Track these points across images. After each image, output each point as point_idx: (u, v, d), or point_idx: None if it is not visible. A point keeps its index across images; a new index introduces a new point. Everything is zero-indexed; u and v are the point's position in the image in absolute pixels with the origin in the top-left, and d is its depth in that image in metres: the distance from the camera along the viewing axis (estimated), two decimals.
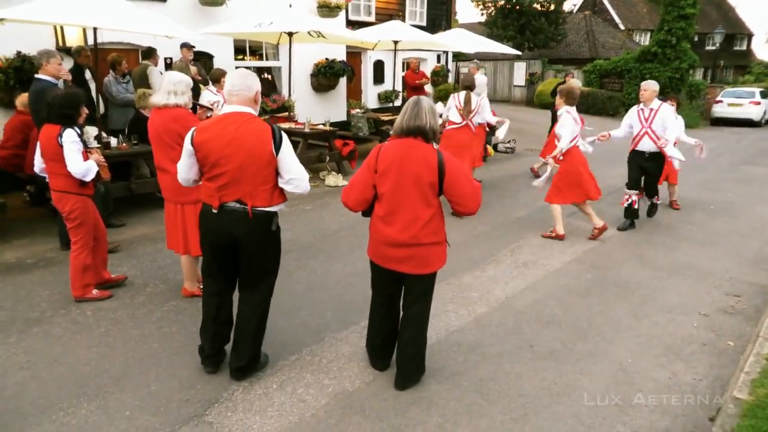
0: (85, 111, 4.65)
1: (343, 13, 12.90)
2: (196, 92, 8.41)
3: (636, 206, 7.23)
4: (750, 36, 45.24)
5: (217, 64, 10.64)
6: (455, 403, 3.48)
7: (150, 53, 8.59)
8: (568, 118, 6.45)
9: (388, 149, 3.23)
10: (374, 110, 14.03)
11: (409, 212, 3.23)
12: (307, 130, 9.06)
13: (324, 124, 9.54)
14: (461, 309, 4.84)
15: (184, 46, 9.43)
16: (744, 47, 44.99)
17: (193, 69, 8.92)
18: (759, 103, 22.01)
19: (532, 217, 7.72)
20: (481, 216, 7.58)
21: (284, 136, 3.30)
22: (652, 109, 6.81)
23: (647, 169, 7.12)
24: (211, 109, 4.64)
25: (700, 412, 3.45)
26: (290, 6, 9.34)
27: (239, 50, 11.79)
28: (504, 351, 4.15)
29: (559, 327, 4.56)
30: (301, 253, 6.06)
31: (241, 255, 3.40)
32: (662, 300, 5.15)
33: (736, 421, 3.14)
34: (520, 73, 26.07)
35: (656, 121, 6.77)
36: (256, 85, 3.35)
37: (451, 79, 18.93)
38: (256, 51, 12.26)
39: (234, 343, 3.63)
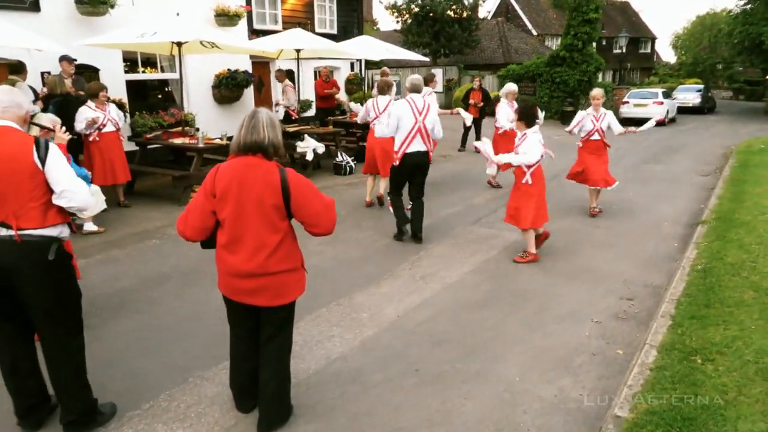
0: None
1: (244, 22, 12.43)
2: (72, 108, 7.78)
3: None
4: (653, 39, 47.78)
5: (105, 77, 9.95)
6: None
7: (19, 68, 7.85)
8: (535, 140, 5.87)
9: (225, 170, 2.86)
10: (290, 121, 13.58)
11: (253, 239, 2.87)
12: (201, 144, 8.53)
13: (221, 138, 9.03)
14: (348, 333, 4.51)
15: (64, 59, 8.72)
16: (648, 50, 47.47)
17: (67, 83, 8.22)
18: (662, 103, 23.03)
19: (435, 225, 7.51)
20: (381, 228, 7.34)
21: (53, 147, 2.90)
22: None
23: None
24: (52, 130, 4.11)
25: None
26: (177, 15, 8.79)
27: (132, 62, 11.10)
28: (387, 378, 3.85)
29: (449, 346, 4.30)
30: (180, 281, 5.56)
31: (18, 292, 2.90)
32: (557, 308, 5.01)
33: None
34: (437, 79, 26.24)
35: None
36: (27, 105, 3.01)
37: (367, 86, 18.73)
38: (152, 62, 11.60)
39: (56, 396, 3.16)
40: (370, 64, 26.13)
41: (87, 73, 9.60)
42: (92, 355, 4.08)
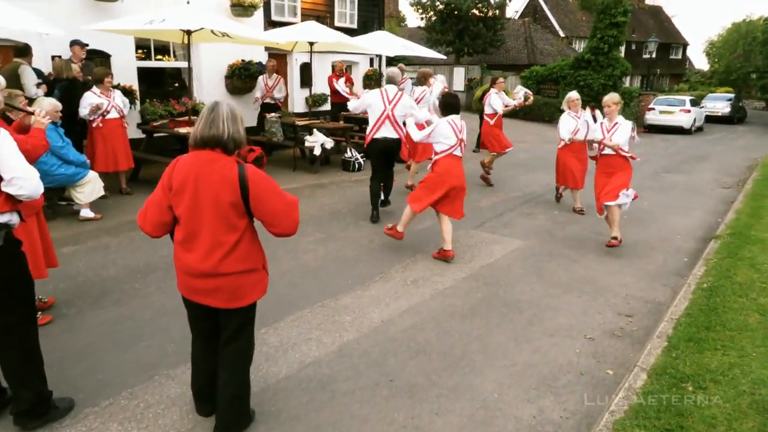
0: None
1: (261, 13, 12.31)
2: (77, 93, 7.73)
3: None
4: (685, 45, 46.72)
5: (116, 63, 9.92)
6: None
7: (25, 51, 7.81)
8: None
9: (183, 164, 2.71)
10: (301, 114, 13.45)
11: (209, 237, 2.72)
12: None
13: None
14: (327, 336, 4.35)
15: (76, 43, 8.69)
16: (679, 56, 46.44)
17: (75, 68, 8.17)
18: (689, 111, 22.45)
19: (436, 228, 7.21)
20: (377, 228, 7.16)
21: (3, 133, 2.79)
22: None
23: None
24: (32, 113, 4.01)
25: None
26: (188, 2, 8.69)
27: (147, 50, 11.06)
28: (358, 387, 3.68)
29: (428, 356, 4.11)
30: (167, 273, 5.45)
31: None
32: (550, 321, 4.79)
33: None
34: (459, 78, 25.93)
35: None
36: None
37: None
38: (167, 51, 11.55)
39: (8, 385, 3.07)
40: (396, 61, 25.98)
41: (98, 59, 9.55)
42: (60, 346, 4.02)
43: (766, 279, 5.37)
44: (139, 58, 10.95)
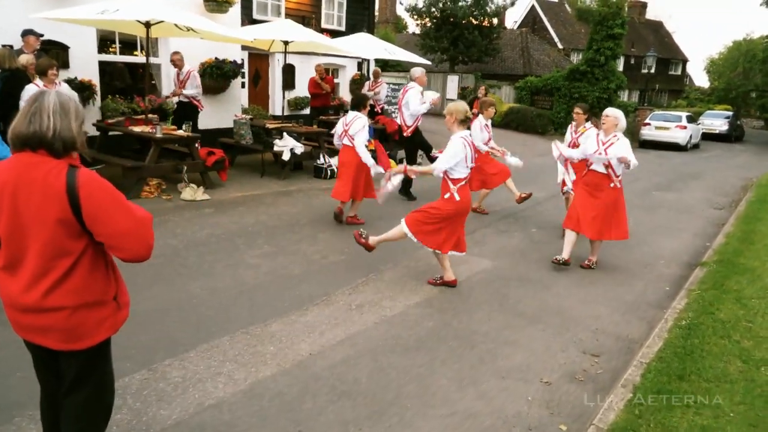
0: None
1: (238, 10, 11.73)
2: (20, 84, 7.16)
3: None
4: (684, 61, 46.33)
5: (76, 56, 9.34)
6: None
7: None
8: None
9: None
10: (278, 117, 12.87)
11: (33, 263, 2.12)
12: (159, 135, 7.83)
13: (185, 129, 8.34)
14: (240, 371, 3.74)
15: (29, 33, 8.13)
16: (679, 72, 46.03)
17: (25, 58, 7.59)
18: (685, 128, 21.94)
19: (398, 245, 6.65)
20: (337, 242, 6.57)
21: None
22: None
23: None
24: None
25: None
26: None
27: (112, 42, 10.51)
28: None
29: (353, 401, 3.51)
30: None
31: None
32: (505, 359, 4.19)
33: None
34: (453, 86, 25.41)
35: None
36: None
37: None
38: (134, 44, 10.99)
39: None
40: (389, 66, 25.44)
41: (54, 50, 8.97)
42: None
43: (753, 317, 4.78)
44: (111, 52, 10.40)
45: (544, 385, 3.86)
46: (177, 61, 9.95)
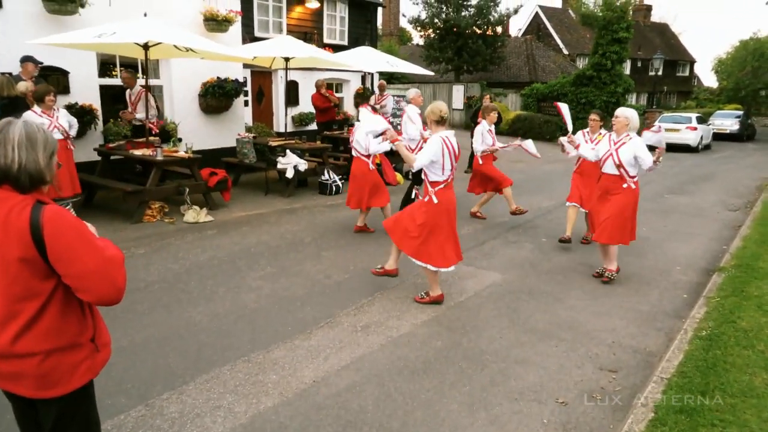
0: None
1: (238, 28, 11.71)
2: (18, 112, 7.11)
3: None
4: (692, 63, 45.95)
5: (77, 81, 9.32)
6: None
7: None
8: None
9: None
10: (289, 134, 12.76)
11: (0, 306, 1.99)
12: (159, 157, 7.75)
13: (186, 151, 8.26)
14: (240, 403, 3.59)
15: (28, 60, 8.12)
16: (687, 73, 45.64)
17: (24, 85, 7.57)
18: (696, 129, 21.63)
19: (405, 259, 6.48)
20: (343, 261, 6.43)
21: None
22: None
23: None
24: None
25: None
26: (145, 15, 8.09)
27: (114, 66, 10.50)
28: None
29: (358, 431, 3.34)
30: None
31: None
32: (517, 380, 4.01)
33: None
34: (458, 96, 25.31)
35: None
36: None
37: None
38: (134, 67, 10.97)
39: None
40: (394, 78, 25.39)
41: (54, 76, 8.97)
42: None
43: None
44: (113, 76, 10.39)
45: (560, 406, 3.67)
46: (126, 80, 9.37)
